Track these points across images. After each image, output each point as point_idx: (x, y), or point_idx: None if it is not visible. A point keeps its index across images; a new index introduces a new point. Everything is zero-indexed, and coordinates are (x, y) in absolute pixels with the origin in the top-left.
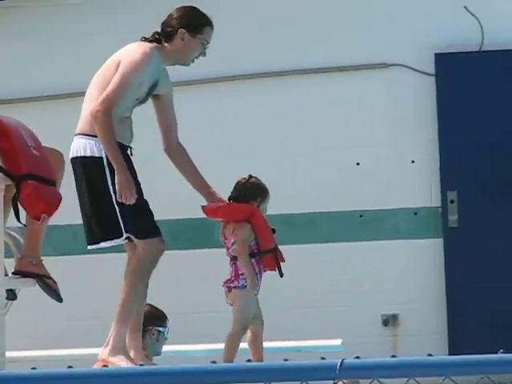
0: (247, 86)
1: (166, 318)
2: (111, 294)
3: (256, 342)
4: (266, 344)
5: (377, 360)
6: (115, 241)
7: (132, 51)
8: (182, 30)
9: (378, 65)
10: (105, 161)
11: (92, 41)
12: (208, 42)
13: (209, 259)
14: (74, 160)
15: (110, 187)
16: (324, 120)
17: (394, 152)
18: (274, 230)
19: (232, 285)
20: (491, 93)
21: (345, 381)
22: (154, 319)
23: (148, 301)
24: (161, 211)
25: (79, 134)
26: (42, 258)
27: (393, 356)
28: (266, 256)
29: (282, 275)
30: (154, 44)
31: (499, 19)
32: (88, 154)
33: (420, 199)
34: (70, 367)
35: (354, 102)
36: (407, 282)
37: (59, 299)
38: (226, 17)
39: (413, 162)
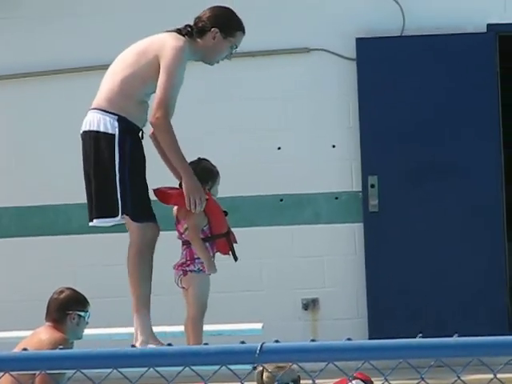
0: None
1: (87, 302)
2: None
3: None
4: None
5: (296, 344)
6: (109, 220)
7: (172, 46)
8: (215, 30)
9: (299, 49)
10: (117, 139)
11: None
12: (237, 47)
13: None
14: (87, 134)
15: (117, 166)
16: (246, 104)
17: (315, 136)
18: (226, 213)
19: (188, 268)
20: (412, 78)
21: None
22: (75, 303)
23: (78, 284)
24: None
25: (95, 108)
26: None
27: (312, 340)
28: (219, 240)
29: (235, 259)
30: (187, 38)
31: (419, 4)
32: (102, 129)
33: (341, 184)
34: None
35: (275, 87)
36: (327, 266)
37: None
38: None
39: (334, 146)
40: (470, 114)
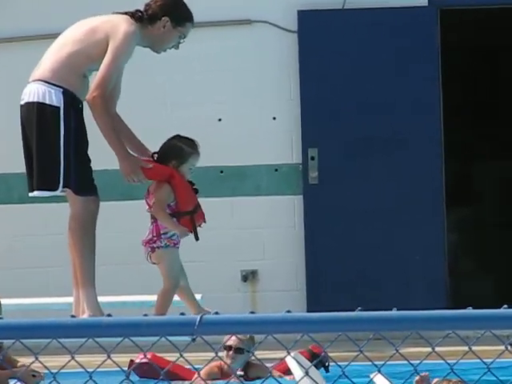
0: None
1: None
2: None
3: (188, 295)
4: (121, 298)
5: (236, 316)
6: (49, 192)
7: (124, 31)
8: (165, 18)
9: (241, 21)
10: (62, 112)
11: None
12: (185, 37)
13: None
14: (31, 104)
15: (61, 139)
16: (186, 75)
17: (255, 108)
18: (196, 191)
19: (155, 245)
20: (353, 51)
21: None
22: None
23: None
24: None
25: (39, 80)
26: None
27: (251, 312)
28: (183, 218)
29: (196, 239)
30: (138, 23)
31: None
32: (47, 101)
33: (281, 156)
34: None
35: (216, 58)
36: (267, 238)
37: None
38: None
39: (274, 118)
40: (411, 88)
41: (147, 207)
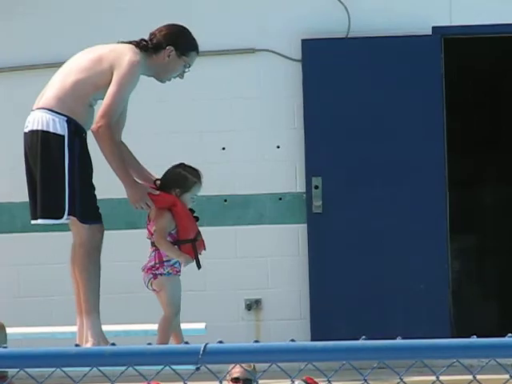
0: None
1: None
2: None
3: (176, 326)
4: (124, 327)
5: (240, 345)
6: (53, 220)
7: (129, 60)
8: (170, 47)
9: (245, 50)
10: (66, 140)
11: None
12: (190, 66)
13: None
14: (34, 133)
15: (66, 168)
16: (190, 104)
17: (259, 137)
18: (197, 219)
19: (157, 272)
20: (357, 79)
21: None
22: None
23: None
24: None
25: (43, 108)
26: None
27: (256, 341)
28: (184, 246)
29: (199, 267)
30: (143, 52)
31: (365, 5)
32: (51, 129)
33: (285, 185)
34: None
35: (220, 87)
36: (271, 267)
37: None
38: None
39: (278, 147)
40: (415, 116)
41: (148, 234)
